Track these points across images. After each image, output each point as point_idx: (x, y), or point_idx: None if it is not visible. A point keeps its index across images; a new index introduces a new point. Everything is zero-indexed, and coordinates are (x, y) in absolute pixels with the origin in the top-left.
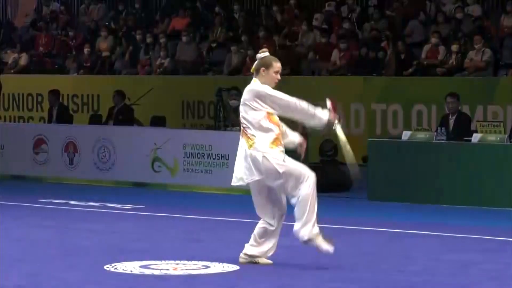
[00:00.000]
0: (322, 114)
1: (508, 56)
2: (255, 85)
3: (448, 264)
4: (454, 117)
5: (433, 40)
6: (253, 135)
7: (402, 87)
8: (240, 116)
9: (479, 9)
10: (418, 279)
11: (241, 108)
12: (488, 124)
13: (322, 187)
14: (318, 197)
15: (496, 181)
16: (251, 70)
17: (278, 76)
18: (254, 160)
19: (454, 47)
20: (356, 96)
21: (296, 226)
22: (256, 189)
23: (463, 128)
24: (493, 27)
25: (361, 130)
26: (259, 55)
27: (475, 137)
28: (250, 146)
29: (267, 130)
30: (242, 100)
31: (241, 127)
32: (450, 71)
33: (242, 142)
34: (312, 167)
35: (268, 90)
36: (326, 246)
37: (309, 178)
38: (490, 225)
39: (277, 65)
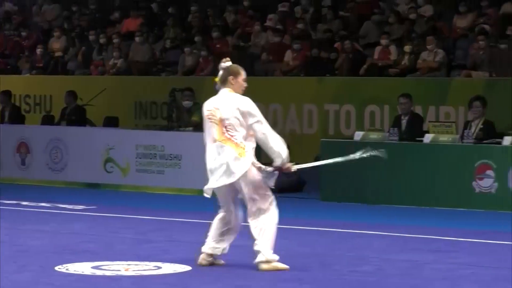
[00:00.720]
0: (282, 151)
1: (460, 57)
2: (242, 98)
3: (400, 264)
4: (406, 118)
5: (383, 41)
6: (242, 143)
7: (355, 88)
8: (227, 123)
9: (432, 9)
10: (371, 279)
11: (229, 115)
12: (440, 125)
13: (273, 188)
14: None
15: (448, 181)
16: (216, 80)
17: (245, 84)
18: (242, 166)
19: (407, 48)
20: (309, 96)
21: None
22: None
23: (416, 128)
24: (446, 27)
25: (314, 130)
26: (223, 65)
27: (427, 138)
28: (241, 154)
29: (251, 140)
30: (229, 108)
31: (226, 134)
32: (403, 71)
33: (227, 148)
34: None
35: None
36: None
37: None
38: (441, 226)
39: (244, 73)
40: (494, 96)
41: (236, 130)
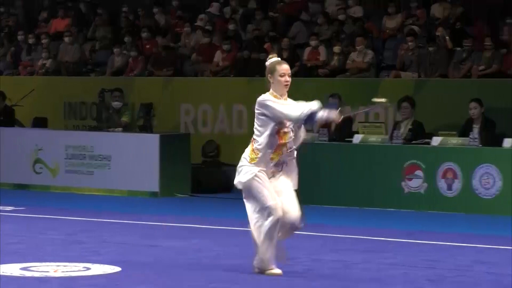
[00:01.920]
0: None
1: (389, 58)
2: (260, 96)
3: (330, 264)
4: None
5: (312, 42)
6: (258, 149)
7: None
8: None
9: (361, 10)
10: (300, 280)
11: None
12: (370, 125)
13: (205, 189)
14: (202, 198)
15: (377, 181)
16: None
17: (286, 78)
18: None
19: (336, 49)
20: (239, 97)
21: None
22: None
23: (345, 129)
24: (375, 28)
25: (244, 131)
26: (267, 62)
27: (357, 138)
28: (252, 159)
29: (269, 147)
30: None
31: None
32: (332, 72)
33: (248, 148)
34: (195, 168)
35: (266, 101)
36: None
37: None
38: (371, 226)
39: (281, 68)
40: (423, 97)
41: (258, 132)
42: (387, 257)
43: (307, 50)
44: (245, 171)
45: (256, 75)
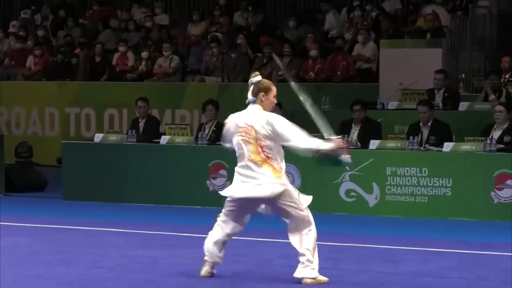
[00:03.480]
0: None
1: (194, 63)
2: (274, 117)
3: (139, 259)
4: (144, 120)
5: (121, 48)
6: (280, 167)
7: (95, 92)
8: (262, 143)
9: (167, 18)
10: (110, 274)
11: (264, 135)
12: (176, 127)
13: (18, 188)
14: (15, 197)
15: (184, 180)
16: (251, 94)
17: (276, 100)
18: (278, 187)
19: (144, 54)
20: (51, 100)
21: None
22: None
23: (152, 130)
24: (181, 35)
25: (56, 133)
26: (254, 79)
27: (164, 139)
28: (278, 177)
29: (282, 160)
30: (264, 127)
31: (262, 154)
32: (140, 77)
33: (264, 169)
34: (8, 168)
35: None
36: None
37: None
38: (180, 223)
39: (274, 89)
40: (226, 100)
41: (272, 150)
42: (193, 252)
43: (116, 55)
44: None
45: (67, 79)
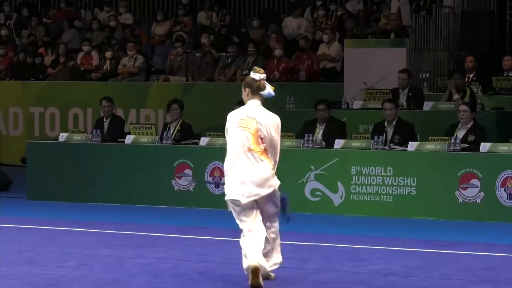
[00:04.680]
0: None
1: (159, 62)
2: (274, 114)
3: (104, 259)
4: (108, 120)
5: (85, 48)
6: (274, 162)
7: (59, 91)
8: (262, 135)
9: (131, 17)
10: (75, 273)
11: (265, 128)
12: (141, 127)
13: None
14: None
15: (149, 180)
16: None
17: None
18: (276, 181)
19: (108, 54)
20: (15, 99)
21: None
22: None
23: (117, 130)
24: (145, 35)
25: (20, 132)
26: (258, 76)
27: (129, 139)
28: (273, 169)
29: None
30: (266, 121)
31: (261, 145)
32: (104, 76)
33: (265, 162)
34: None
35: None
36: None
37: None
38: (143, 222)
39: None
40: (191, 99)
41: (266, 144)
42: (158, 252)
43: (80, 55)
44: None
45: (31, 78)
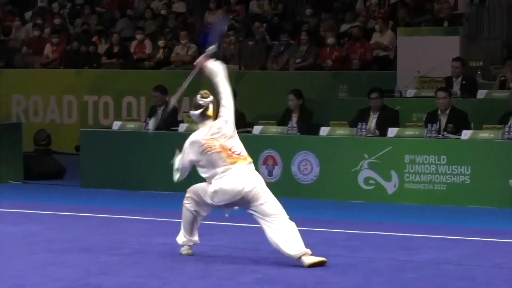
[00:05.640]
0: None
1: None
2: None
3: (158, 247)
4: (162, 108)
5: (138, 36)
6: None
7: (113, 80)
8: (229, 146)
9: (184, 6)
10: (128, 261)
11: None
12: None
13: (37, 176)
14: (33, 185)
15: None
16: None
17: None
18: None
19: (161, 42)
20: (69, 88)
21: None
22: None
23: (172, 118)
24: (198, 23)
25: (73, 121)
26: (207, 100)
27: (182, 127)
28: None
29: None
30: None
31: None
32: (158, 64)
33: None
34: (27, 156)
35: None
36: None
37: None
38: None
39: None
40: (243, 87)
41: (236, 147)
42: (212, 239)
43: (134, 43)
44: None
45: (84, 67)
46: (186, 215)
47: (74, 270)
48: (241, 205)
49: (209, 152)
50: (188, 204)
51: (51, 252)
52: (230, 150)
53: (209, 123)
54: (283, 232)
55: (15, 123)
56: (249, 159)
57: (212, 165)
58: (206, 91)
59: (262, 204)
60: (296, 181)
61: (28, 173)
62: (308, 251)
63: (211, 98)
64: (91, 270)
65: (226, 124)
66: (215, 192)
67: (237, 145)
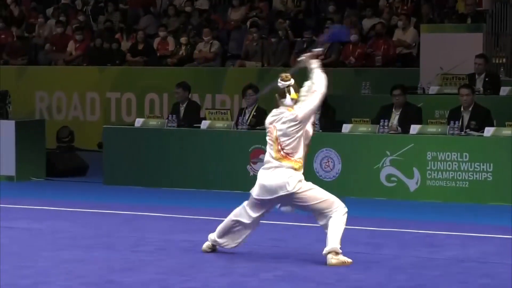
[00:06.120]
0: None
1: (234, 48)
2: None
3: (181, 244)
4: (184, 105)
5: (161, 33)
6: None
7: (136, 77)
8: (281, 140)
9: (207, 3)
10: (151, 258)
11: (282, 131)
12: (216, 112)
13: (59, 173)
14: (56, 182)
15: (224, 165)
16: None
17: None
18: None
19: (183, 40)
20: (92, 85)
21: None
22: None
23: (193, 115)
24: (221, 20)
25: (97, 117)
26: (285, 83)
27: (204, 124)
28: (298, 169)
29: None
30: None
31: (282, 152)
32: (180, 61)
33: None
34: (50, 153)
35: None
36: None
37: None
38: (218, 207)
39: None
40: (266, 84)
41: (291, 146)
42: None
43: (157, 40)
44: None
45: (107, 64)
46: (227, 218)
47: (97, 266)
48: (286, 204)
49: (268, 138)
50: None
51: (74, 248)
52: (281, 145)
53: (283, 108)
54: (328, 226)
55: (38, 120)
56: (296, 165)
57: (267, 150)
58: (287, 74)
59: (305, 204)
60: (318, 178)
61: (51, 170)
62: (337, 249)
63: (291, 81)
64: (114, 267)
65: (292, 118)
66: (256, 183)
67: (293, 146)
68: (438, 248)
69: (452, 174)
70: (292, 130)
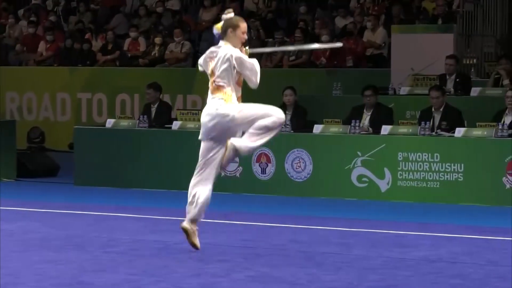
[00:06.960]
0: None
1: (206, 48)
2: (231, 49)
3: (151, 244)
4: (155, 106)
5: (132, 34)
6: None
7: (107, 77)
8: (217, 73)
9: (179, 3)
10: (122, 259)
11: (220, 66)
12: (188, 112)
13: (30, 173)
14: (27, 182)
15: (194, 166)
16: (218, 29)
17: (245, 36)
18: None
19: (158, 40)
20: (63, 85)
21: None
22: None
23: (164, 116)
24: (192, 21)
25: (67, 118)
26: (224, 16)
27: (175, 125)
28: (226, 100)
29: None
30: (222, 58)
31: (214, 84)
32: (152, 62)
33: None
34: (20, 154)
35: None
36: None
37: None
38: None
39: (243, 26)
40: None
41: (224, 80)
42: (205, 237)
43: (128, 41)
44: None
45: (78, 64)
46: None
47: (68, 267)
48: (223, 137)
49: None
50: None
51: (45, 249)
52: (214, 77)
53: (221, 44)
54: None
55: (8, 120)
56: (225, 96)
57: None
58: (230, 9)
59: (246, 121)
60: (289, 178)
61: (22, 170)
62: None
63: (230, 15)
64: (85, 268)
65: (233, 56)
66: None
67: (225, 80)
68: (409, 248)
69: (423, 174)
70: (225, 67)
